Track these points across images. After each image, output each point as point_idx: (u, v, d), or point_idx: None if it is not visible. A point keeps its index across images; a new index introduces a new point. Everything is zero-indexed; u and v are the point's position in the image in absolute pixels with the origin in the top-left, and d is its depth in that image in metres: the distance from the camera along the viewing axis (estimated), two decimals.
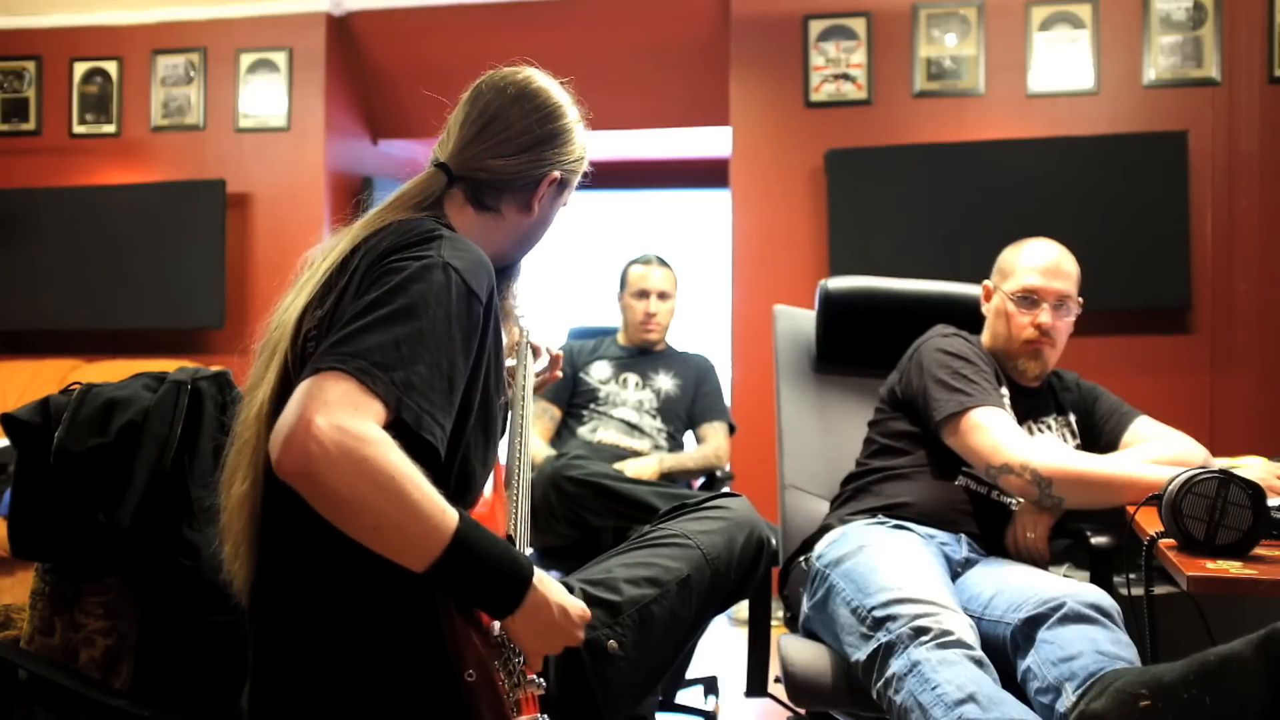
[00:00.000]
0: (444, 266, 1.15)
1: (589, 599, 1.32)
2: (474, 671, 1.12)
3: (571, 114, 1.40)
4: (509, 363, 1.56)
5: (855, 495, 2.00)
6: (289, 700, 1.18)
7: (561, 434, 2.96)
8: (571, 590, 1.31)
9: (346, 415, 1.02)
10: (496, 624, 1.17)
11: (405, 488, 1.04)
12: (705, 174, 5.36)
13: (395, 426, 1.06)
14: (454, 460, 1.21)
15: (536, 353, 1.71)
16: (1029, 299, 2.00)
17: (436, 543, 1.07)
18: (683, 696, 2.80)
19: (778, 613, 2.24)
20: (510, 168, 1.34)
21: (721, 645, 3.47)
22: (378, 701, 1.14)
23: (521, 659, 1.19)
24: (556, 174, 1.37)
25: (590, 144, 1.44)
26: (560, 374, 1.79)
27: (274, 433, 1.03)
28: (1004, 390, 1.98)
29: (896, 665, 1.47)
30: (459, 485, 1.22)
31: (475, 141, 1.35)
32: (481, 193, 1.35)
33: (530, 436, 1.56)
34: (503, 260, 1.39)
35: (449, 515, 1.08)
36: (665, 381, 3.00)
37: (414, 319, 1.10)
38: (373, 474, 1.02)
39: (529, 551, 1.26)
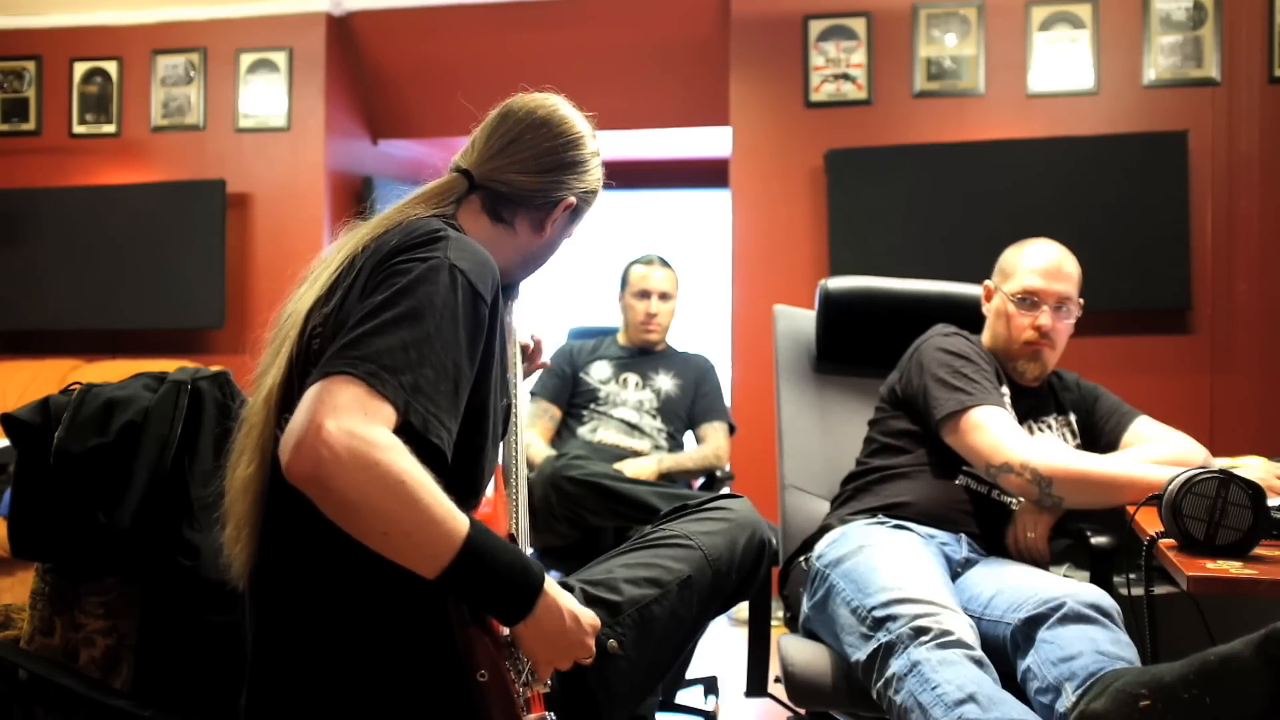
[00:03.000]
0: (450, 268, 1.16)
1: (589, 599, 1.32)
2: (486, 671, 1.12)
3: (591, 145, 1.44)
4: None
5: (855, 495, 2.00)
6: (288, 695, 1.18)
7: (561, 434, 2.96)
8: (571, 590, 1.31)
9: (357, 420, 1.02)
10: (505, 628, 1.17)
11: (416, 493, 1.04)
12: (705, 174, 5.36)
13: (403, 430, 1.07)
14: (467, 462, 1.21)
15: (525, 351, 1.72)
16: (1029, 300, 2.00)
17: (447, 549, 1.06)
18: (683, 696, 2.80)
19: (778, 613, 2.24)
20: (532, 185, 1.37)
21: (721, 645, 3.47)
22: (385, 698, 1.14)
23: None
24: (573, 199, 1.41)
25: (603, 178, 1.48)
26: (544, 363, 1.80)
27: (284, 437, 1.04)
28: (1004, 390, 1.98)
29: (896, 665, 1.47)
30: (467, 487, 1.22)
31: (501, 154, 1.38)
32: (499, 205, 1.37)
33: (525, 435, 1.56)
34: (505, 278, 1.40)
35: (460, 521, 1.08)
36: (665, 381, 3.00)
37: (422, 322, 1.11)
38: (384, 479, 1.02)
39: (529, 551, 1.26)
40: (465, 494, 1.20)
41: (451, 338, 1.13)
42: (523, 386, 1.63)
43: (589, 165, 1.43)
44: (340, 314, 1.16)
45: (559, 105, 1.43)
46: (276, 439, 1.09)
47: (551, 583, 1.17)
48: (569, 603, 1.19)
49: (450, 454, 1.11)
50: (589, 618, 1.21)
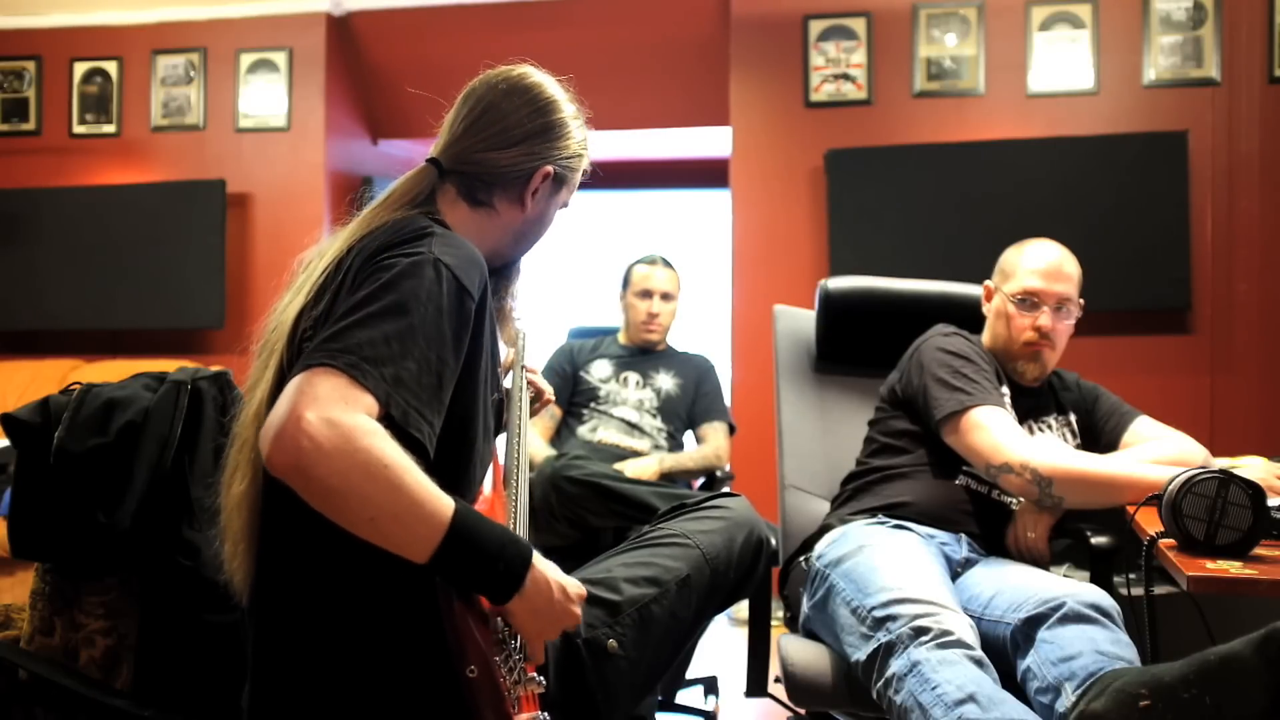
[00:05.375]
0: (435, 263, 1.15)
1: (589, 598, 1.32)
2: (476, 667, 1.11)
3: (567, 110, 1.39)
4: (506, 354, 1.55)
5: (855, 495, 2.00)
6: (290, 699, 1.18)
7: (561, 433, 2.96)
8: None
9: (337, 409, 1.02)
10: (499, 619, 1.17)
11: (400, 477, 1.04)
12: (705, 174, 5.36)
13: (384, 424, 1.06)
14: (457, 457, 1.21)
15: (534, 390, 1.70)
16: (1029, 301, 2.00)
17: (435, 530, 1.06)
18: (683, 696, 2.80)
19: (778, 613, 2.24)
20: (502, 161, 1.34)
21: (721, 645, 3.47)
22: (379, 698, 1.14)
23: (522, 656, 1.19)
24: (550, 168, 1.36)
25: (590, 141, 1.43)
26: (550, 399, 1.78)
27: (264, 429, 1.03)
28: (1004, 390, 1.98)
29: (896, 665, 1.47)
30: (460, 483, 1.22)
31: (466, 135, 1.35)
32: (474, 188, 1.34)
33: (527, 436, 1.56)
34: (499, 259, 1.39)
35: (445, 502, 1.08)
36: (666, 381, 3.00)
37: (405, 315, 1.10)
38: (365, 465, 1.01)
39: None
40: (458, 489, 1.19)
41: (435, 331, 1.12)
42: (525, 385, 1.62)
43: (563, 130, 1.37)
44: (329, 314, 1.16)
45: (526, 74, 1.38)
46: None
47: (539, 556, 1.17)
48: (556, 575, 1.19)
49: (432, 447, 1.11)
50: (575, 587, 1.21)
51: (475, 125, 1.34)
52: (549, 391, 1.76)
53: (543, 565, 1.17)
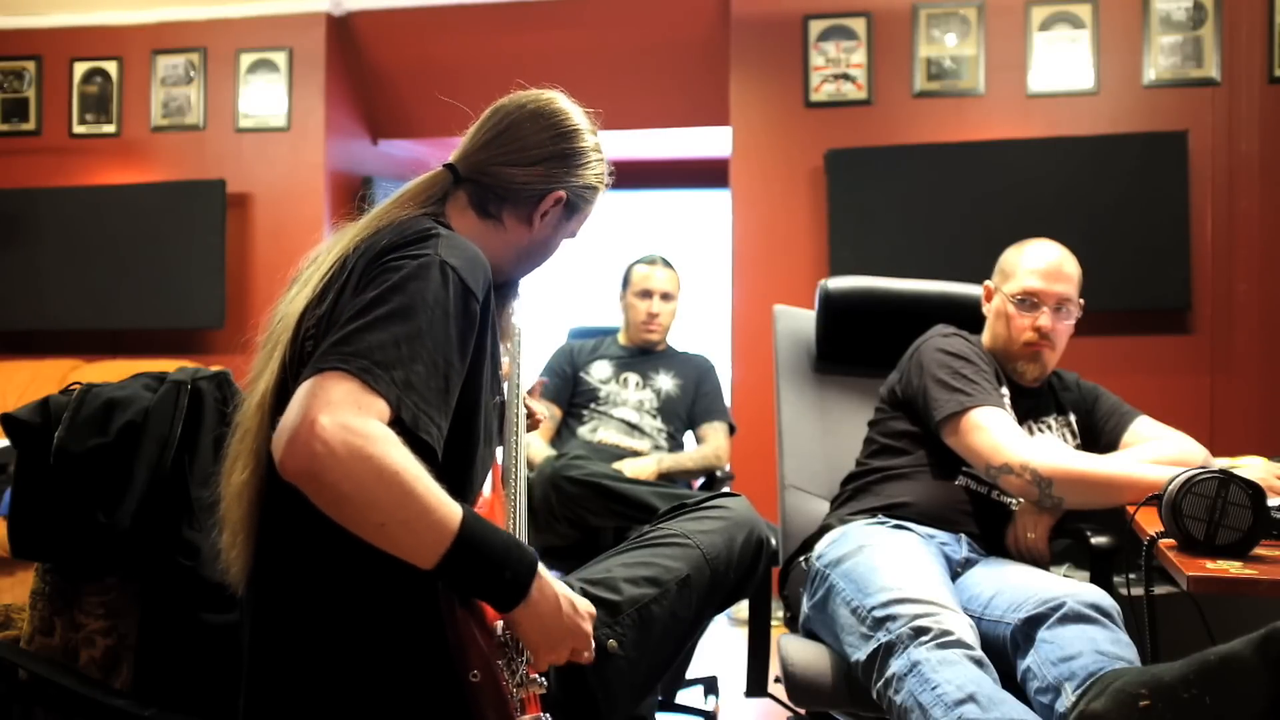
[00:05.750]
0: (442, 265, 1.15)
1: (589, 598, 1.32)
2: (478, 671, 1.11)
3: (589, 140, 1.41)
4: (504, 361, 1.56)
5: (855, 495, 2.00)
6: (286, 697, 1.18)
7: (561, 434, 2.96)
8: (571, 589, 1.31)
9: (350, 414, 1.02)
10: (499, 624, 1.17)
11: (411, 484, 1.04)
12: (705, 174, 5.36)
13: (394, 427, 1.06)
14: (460, 459, 1.21)
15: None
16: (1029, 301, 2.00)
17: (443, 538, 1.07)
18: (683, 696, 2.80)
19: (778, 613, 2.24)
20: (517, 178, 1.35)
21: (721, 645, 3.47)
22: (378, 700, 1.14)
23: (524, 658, 1.19)
24: (563, 194, 1.37)
25: (607, 177, 1.45)
26: (541, 417, 1.79)
27: (277, 433, 1.03)
28: (1004, 390, 1.98)
29: (896, 665, 1.47)
30: (462, 485, 1.22)
31: (487, 147, 1.36)
32: (485, 199, 1.35)
33: (525, 436, 1.56)
34: (499, 275, 1.38)
35: (453, 509, 1.08)
36: (666, 381, 3.00)
37: (413, 318, 1.11)
38: (378, 471, 1.02)
39: None
40: (459, 491, 1.19)
41: (442, 334, 1.13)
42: (523, 384, 1.62)
43: (583, 159, 1.39)
44: (333, 315, 1.16)
45: (555, 98, 1.41)
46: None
47: (545, 569, 1.18)
48: (564, 589, 1.19)
49: (440, 450, 1.11)
50: (585, 605, 1.21)
51: (497, 139, 1.36)
52: (540, 412, 1.77)
53: (550, 578, 1.18)
